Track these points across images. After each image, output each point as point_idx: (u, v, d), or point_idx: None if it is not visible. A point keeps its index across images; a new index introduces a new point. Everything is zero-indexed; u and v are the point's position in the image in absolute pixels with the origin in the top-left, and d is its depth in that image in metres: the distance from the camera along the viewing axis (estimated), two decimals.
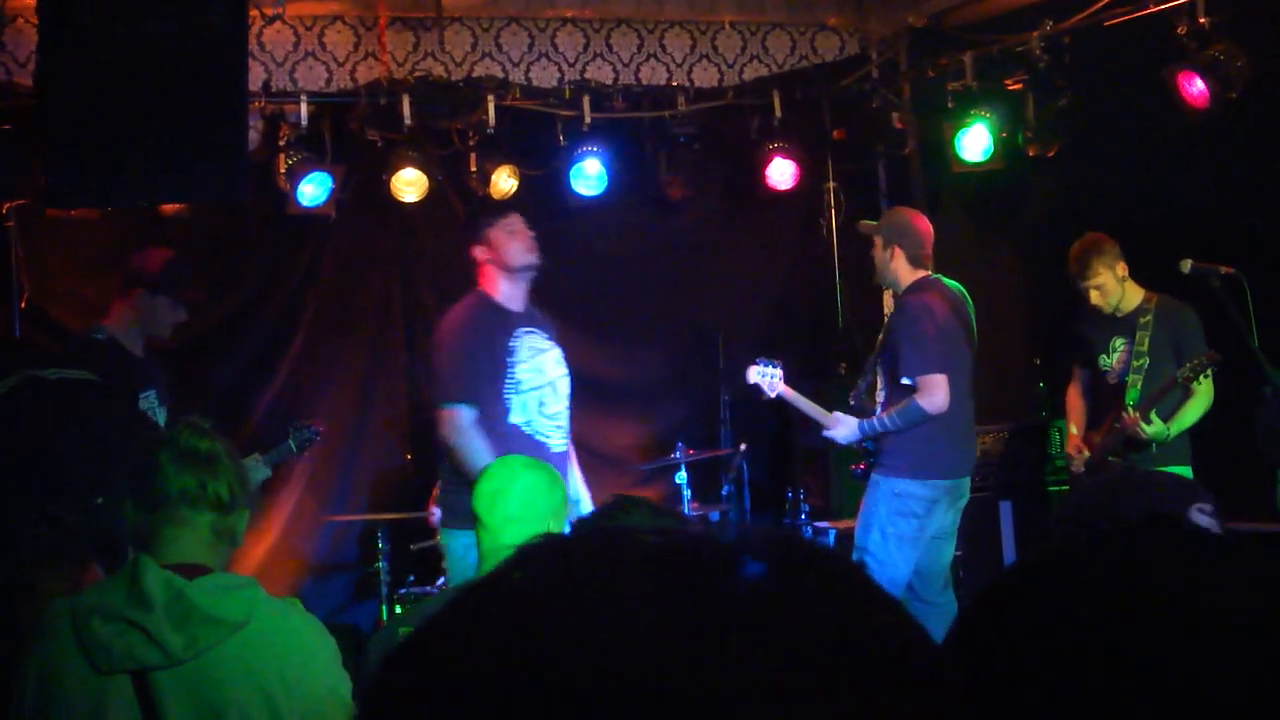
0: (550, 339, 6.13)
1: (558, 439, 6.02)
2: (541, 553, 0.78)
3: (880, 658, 0.74)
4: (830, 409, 6.62)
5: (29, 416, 5.42)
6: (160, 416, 6.07)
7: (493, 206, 6.97)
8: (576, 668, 0.69)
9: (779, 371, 6.75)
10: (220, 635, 2.67)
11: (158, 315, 6.09)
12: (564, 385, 6.11)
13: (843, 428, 6.40)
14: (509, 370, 5.89)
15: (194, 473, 2.83)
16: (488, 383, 5.85)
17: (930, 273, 6.45)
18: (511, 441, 5.73)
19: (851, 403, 6.61)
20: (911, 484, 6.24)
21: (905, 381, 6.21)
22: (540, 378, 5.97)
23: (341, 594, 7.70)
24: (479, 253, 6.08)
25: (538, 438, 5.90)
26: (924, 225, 6.52)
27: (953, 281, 6.56)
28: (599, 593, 0.72)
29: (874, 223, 6.60)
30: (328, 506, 7.62)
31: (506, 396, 5.87)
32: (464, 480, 5.67)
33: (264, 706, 2.68)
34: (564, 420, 6.08)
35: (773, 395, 6.77)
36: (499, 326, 5.96)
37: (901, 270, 6.41)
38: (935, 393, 6.16)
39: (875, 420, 6.28)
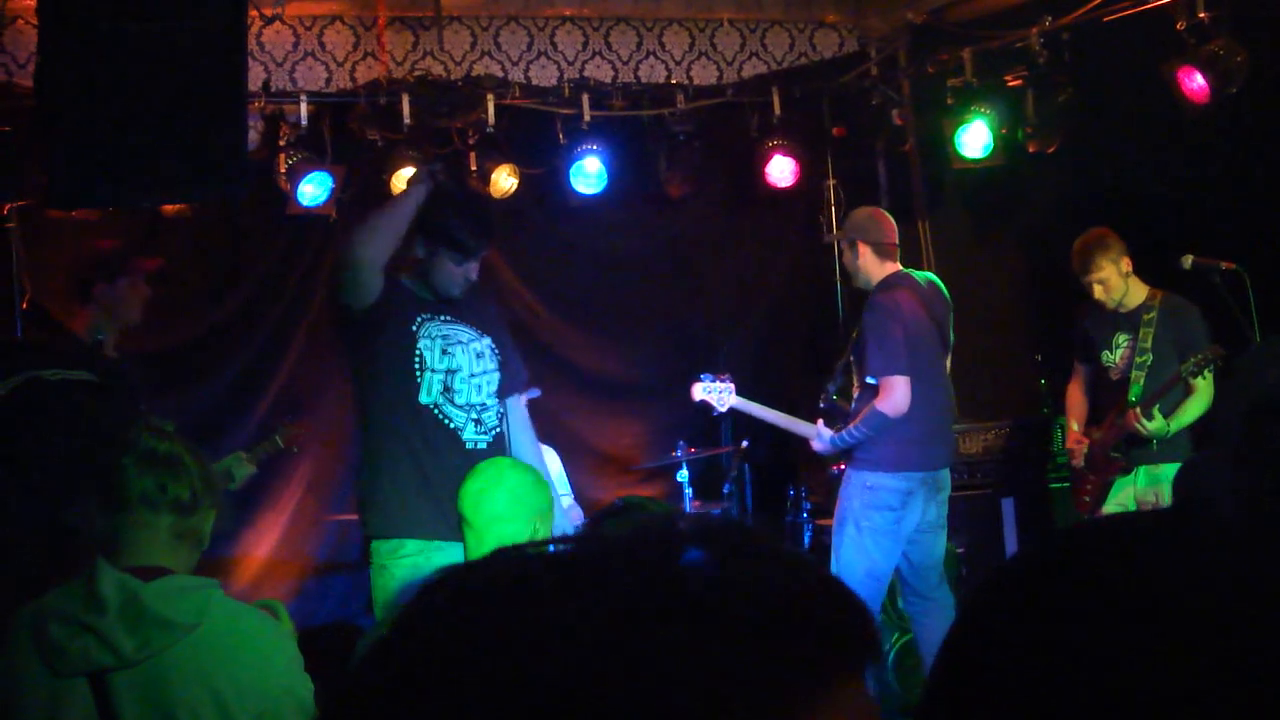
0: (476, 331, 5.33)
1: (473, 433, 5.22)
2: (449, 576, 0.81)
3: (816, 633, 0.76)
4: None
5: (30, 418, 5.42)
6: None
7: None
8: (521, 674, 0.72)
9: (729, 385, 6.77)
10: (172, 637, 2.69)
11: (124, 299, 6.00)
12: (487, 384, 5.31)
13: (818, 441, 6.45)
14: (414, 346, 5.14)
15: (154, 475, 2.84)
16: (394, 361, 5.18)
17: (899, 266, 6.49)
18: (422, 424, 5.12)
19: (822, 405, 6.61)
20: (884, 476, 6.24)
21: (869, 381, 6.24)
22: (449, 361, 5.18)
23: (344, 593, 7.70)
24: (418, 249, 5.23)
25: (449, 424, 5.17)
26: (884, 217, 6.58)
27: (924, 273, 6.63)
28: (540, 594, 0.76)
29: (832, 234, 6.67)
30: (330, 506, 7.62)
31: (416, 374, 5.14)
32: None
33: (214, 707, 2.70)
34: (483, 416, 5.27)
35: (724, 410, 6.80)
36: (406, 309, 5.21)
37: (870, 265, 6.43)
38: (893, 394, 6.15)
39: (845, 433, 6.29)
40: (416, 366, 5.12)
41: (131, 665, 2.67)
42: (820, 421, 6.49)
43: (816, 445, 6.48)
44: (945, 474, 6.46)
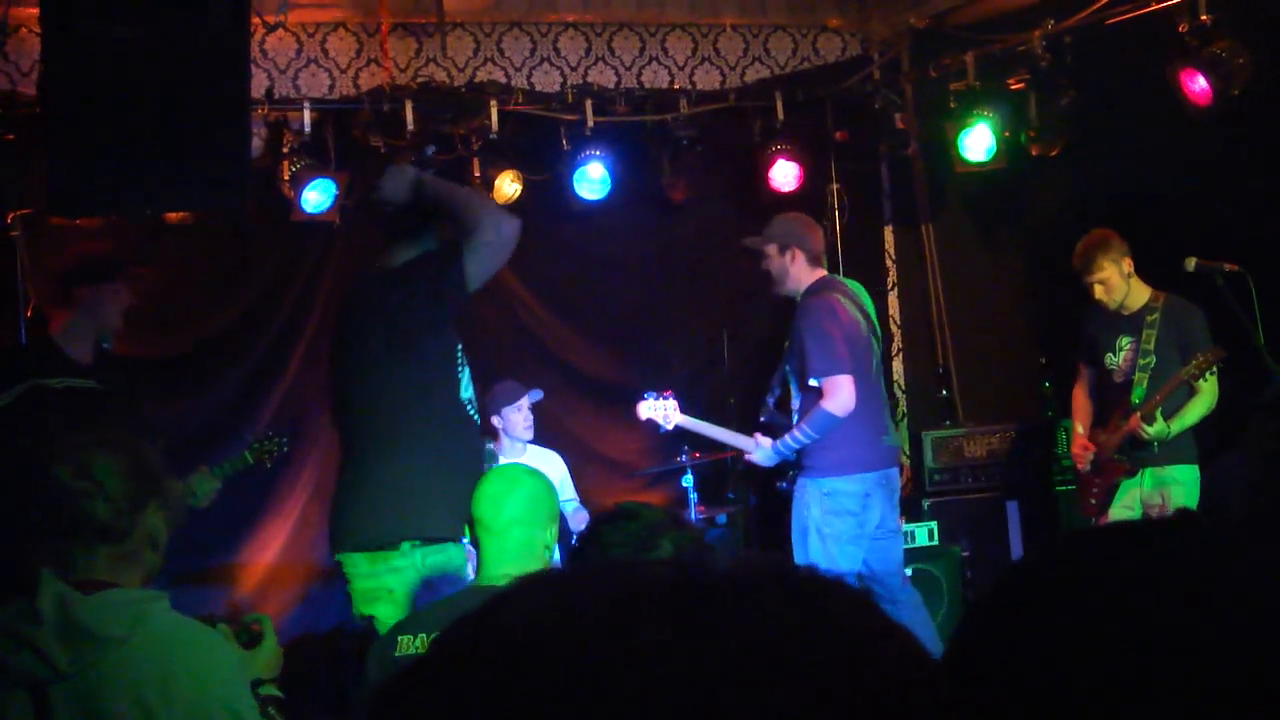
0: None
1: None
2: (540, 589, 0.77)
3: (885, 689, 0.73)
4: None
5: (35, 426, 5.43)
6: None
7: None
8: (579, 713, 0.69)
9: (672, 403, 6.75)
10: (102, 651, 2.71)
11: (105, 304, 5.85)
12: None
13: (759, 451, 6.37)
14: (457, 340, 5.05)
15: (70, 507, 2.85)
16: (453, 356, 5.07)
17: (825, 272, 6.49)
18: (468, 421, 5.03)
19: (762, 418, 6.57)
20: (839, 481, 6.20)
21: (812, 383, 6.19)
22: (464, 356, 5.11)
23: (348, 599, 7.69)
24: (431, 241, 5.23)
25: (479, 421, 5.17)
26: (813, 223, 6.60)
27: (850, 280, 6.68)
28: (603, 635, 0.72)
29: (758, 236, 6.53)
30: None
31: (459, 368, 5.02)
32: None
33: None
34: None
35: (670, 428, 6.78)
36: None
37: (802, 273, 6.40)
38: (839, 394, 6.11)
39: (789, 437, 6.23)
40: (459, 361, 5.00)
41: (66, 678, 2.70)
42: (757, 435, 6.44)
43: (755, 457, 6.42)
44: (896, 473, 6.45)
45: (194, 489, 5.81)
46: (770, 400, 6.56)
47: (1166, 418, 6.22)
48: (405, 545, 4.85)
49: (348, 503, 5.01)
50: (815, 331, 6.20)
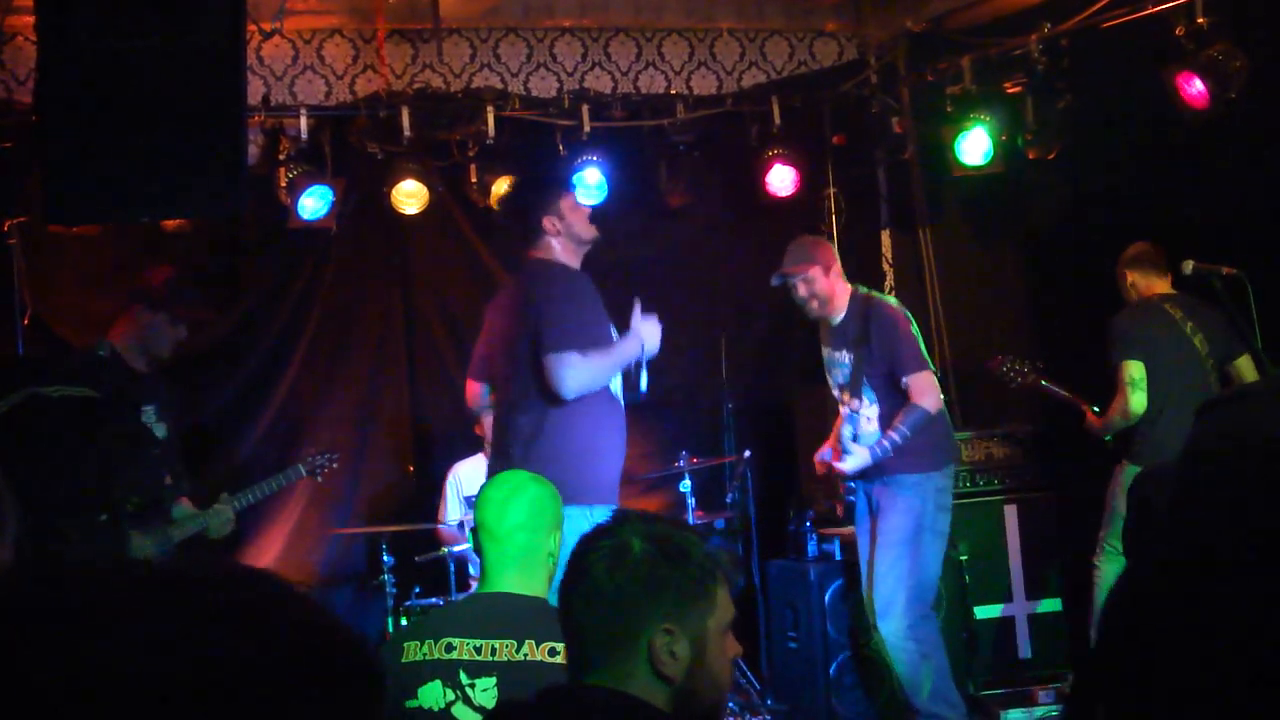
0: None
1: None
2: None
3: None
4: (829, 418, 6.63)
5: (32, 434, 5.42)
6: (159, 431, 6.10)
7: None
8: None
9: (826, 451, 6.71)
10: None
11: (156, 332, 6.15)
12: None
13: (854, 458, 6.24)
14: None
15: None
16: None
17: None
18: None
19: (852, 433, 6.48)
20: (945, 475, 6.29)
21: (905, 382, 6.21)
22: None
23: (347, 606, 7.69)
24: (549, 224, 5.96)
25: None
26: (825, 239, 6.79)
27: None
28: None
29: (791, 268, 6.49)
30: (332, 519, 7.61)
31: None
32: None
33: None
34: None
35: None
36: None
37: (841, 289, 6.50)
38: (932, 389, 6.23)
39: (886, 440, 6.16)
40: None
41: None
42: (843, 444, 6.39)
43: (849, 464, 6.25)
44: None
45: (209, 522, 6.09)
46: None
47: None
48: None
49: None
50: (894, 331, 6.30)
